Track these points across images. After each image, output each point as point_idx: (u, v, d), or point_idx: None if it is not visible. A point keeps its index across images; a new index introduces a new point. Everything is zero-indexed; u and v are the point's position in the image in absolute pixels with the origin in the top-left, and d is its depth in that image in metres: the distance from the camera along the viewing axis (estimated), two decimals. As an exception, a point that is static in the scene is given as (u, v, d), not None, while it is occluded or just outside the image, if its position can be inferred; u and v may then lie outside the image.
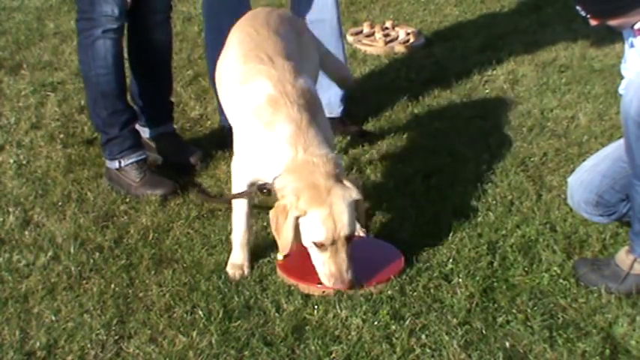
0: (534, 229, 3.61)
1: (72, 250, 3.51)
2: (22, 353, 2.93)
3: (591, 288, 3.21)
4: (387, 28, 6.24)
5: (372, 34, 6.11)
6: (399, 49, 5.97)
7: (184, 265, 3.42)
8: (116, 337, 3.00)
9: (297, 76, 3.34)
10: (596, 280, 3.22)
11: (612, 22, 3.21)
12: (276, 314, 3.09)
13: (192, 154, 4.25)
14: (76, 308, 3.15)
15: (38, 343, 2.96)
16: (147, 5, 4.11)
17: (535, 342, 2.94)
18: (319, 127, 3.26)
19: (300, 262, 3.24)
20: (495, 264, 3.37)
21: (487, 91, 5.20)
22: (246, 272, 3.35)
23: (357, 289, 3.17)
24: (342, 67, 4.51)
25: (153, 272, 3.36)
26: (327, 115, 4.70)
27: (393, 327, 3.00)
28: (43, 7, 6.97)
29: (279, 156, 3.16)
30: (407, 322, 3.02)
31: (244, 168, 3.35)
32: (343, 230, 3.10)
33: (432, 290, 3.22)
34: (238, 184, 3.40)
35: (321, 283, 3.20)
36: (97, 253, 3.50)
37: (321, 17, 4.60)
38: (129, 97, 4.26)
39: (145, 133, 4.34)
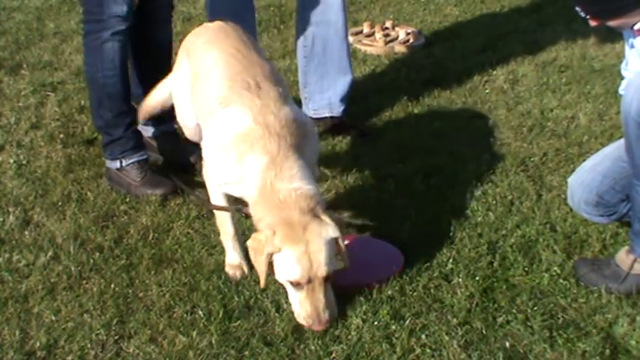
0: (534, 229, 3.61)
1: (72, 250, 3.51)
2: (22, 353, 2.93)
3: (591, 288, 3.21)
4: (387, 28, 6.24)
5: (372, 34, 6.11)
6: (399, 49, 5.97)
7: (184, 265, 3.42)
8: (116, 337, 3.00)
9: (282, 105, 3.21)
10: (596, 280, 3.22)
11: (612, 23, 3.20)
12: (276, 314, 3.08)
13: (191, 154, 4.25)
14: (76, 308, 3.15)
15: (38, 343, 2.96)
16: (149, 4, 4.11)
17: (535, 342, 2.95)
18: (301, 158, 3.10)
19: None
20: (495, 264, 3.37)
21: (487, 91, 5.20)
22: (245, 271, 3.34)
23: (333, 326, 3.02)
24: None
25: (153, 272, 3.36)
26: (328, 114, 4.75)
27: (393, 327, 3.00)
28: (43, 7, 6.97)
29: (249, 188, 3.07)
30: (407, 322, 3.02)
31: (217, 185, 3.31)
32: (320, 270, 2.94)
33: (432, 290, 3.22)
34: (215, 196, 3.36)
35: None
36: (97, 253, 3.50)
37: (326, 19, 4.60)
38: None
39: (147, 131, 4.34)
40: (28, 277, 3.35)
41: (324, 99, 4.73)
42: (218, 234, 3.59)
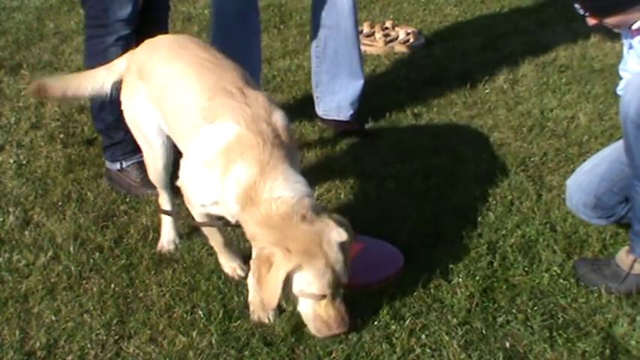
0: (534, 229, 3.61)
1: (72, 250, 3.51)
2: (22, 353, 2.93)
3: (591, 288, 3.21)
4: (387, 28, 6.24)
5: (372, 34, 6.11)
6: (399, 49, 5.97)
7: (184, 265, 3.42)
8: (116, 337, 3.00)
9: (272, 112, 3.06)
10: (596, 280, 3.22)
11: (610, 21, 3.19)
12: (276, 315, 3.08)
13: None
14: (76, 308, 3.15)
15: (38, 343, 2.96)
16: (147, 6, 4.10)
17: (535, 342, 2.94)
18: (292, 166, 2.98)
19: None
20: (495, 264, 3.37)
21: (487, 91, 5.20)
22: (242, 273, 3.32)
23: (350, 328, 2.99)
24: None
25: (153, 272, 3.36)
26: (335, 117, 4.75)
27: (393, 327, 3.00)
28: (43, 7, 6.97)
29: (239, 202, 2.92)
30: (407, 322, 3.02)
31: (201, 204, 3.12)
32: (342, 279, 2.90)
33: (432, 290, 3.22)
34: (197, 214, 3.20)
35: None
36: (97, 253, 3.50)
37: (337, 23, 4.60)
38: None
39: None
40: (28, 277, 3.35)
41: (334, 101, 4.74)
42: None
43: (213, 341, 2.95)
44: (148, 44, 3.44)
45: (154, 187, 3.97)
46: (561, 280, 3.27)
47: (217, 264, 3.40)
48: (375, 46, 5.95)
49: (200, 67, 3.20)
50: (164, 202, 3.63)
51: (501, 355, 2.88)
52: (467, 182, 4.02)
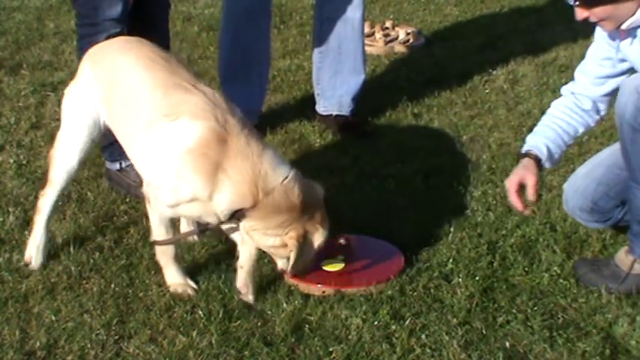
0: (534, 229, 3.61)
1: (72, 250, 3.51)
2: (22, 353, 2.93)
3: (591, 288, 3.21)
4: (387, 28, 6.24)
5: (372, 33, 6.11)
6: (399, 49, 5.97)
7: (184, 265, 3.42)
8: (116, 337, 2.99)
9: (230, 104, 3.09)
10: (596, 280, 3.22)
11: (599, 12, 3.08)
12: (276, 314, 3.08)
13: None
14: (76, 308, 3.15)
15: (38, 343, 2.96)
16: (147, 4, 4.10)
17: (535, 342, 2.94)
18: (269, 148, 3.07)
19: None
20: (495, 264, 3.37)
21: (487, 90, 5.20)
22: (195, 286, 3.26)
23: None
24: None
25: (153, 272, 3.36)
26: (336, 112, 4.75)
27: (393, 327, 3.00)
28: (43, 7, 6.97)
29: (246, 197, 2.96)
30: (407, 322, 3.02)
31: (173, 204, 3.09)
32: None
33: (432, 290, 3.22)
34: (160, 218, 3.19)
35: (321, 283, 3.21)
36: (97, 253, 3.50)
37: (344, 16, 4.60)
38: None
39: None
40: (28, 277, 3.34)
41: (335, 97, 4.74)
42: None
43: (213, 341, 2.95)
44: (104, 43, 3.48)
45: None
46: (561, 280, 3.27)
47: (217, 264, 3.40)
48: (375, 46, 5.96)
49: (151, 61, 3.21)
50: (48, 203, 3.43)
51: (501, 355, 2.88)
52: (467, 182, 4.02)
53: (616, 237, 3.53)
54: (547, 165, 3.40)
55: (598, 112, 3.43)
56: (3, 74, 5.53)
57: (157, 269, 3.38)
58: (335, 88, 4.74)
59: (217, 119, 2.99)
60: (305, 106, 4.95)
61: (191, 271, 3.36)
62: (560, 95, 3.52)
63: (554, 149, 3.39)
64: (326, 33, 4.65)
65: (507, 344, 2.93)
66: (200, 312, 3.09)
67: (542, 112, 4.81)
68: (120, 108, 3.23)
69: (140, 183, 3.98)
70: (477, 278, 3.26)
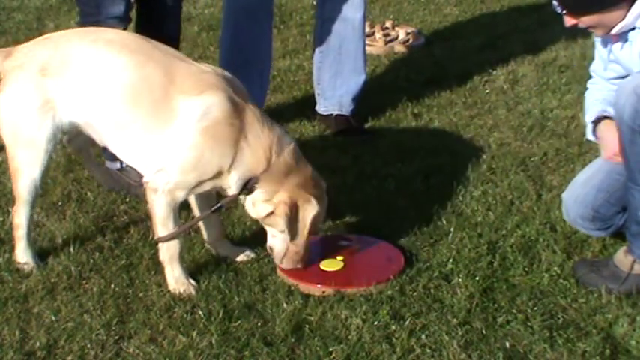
0: (534, 229, 3.61)
1: (72, 250, 3.51)
2: (22, 353, 2.92)
3: (591, 288, 3.20)
4: (387, 28, 6.24)
5: (372, 33, 6.11)
6: (399, 49, 5.97)
7: (184, 264, 3.42)
8: (116, 337, 2.99)
9: (234, 78, 3.28)
10: (595, 280, 3.21)
11: (587, 20, 3.14)
12: (276, 314, 3.08)
13: None
14: (76, 308, 3.15)
15: (38, 343, 2.96)
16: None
17: (535, 342, 2.94)
18: (270, 120, 3.24)
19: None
20: (495, 264, 3.37)
21: (487, 90, 5.20)
22: (195, 284, 3.27)
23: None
24: None
25: (153, 272, 3.36)
26: (337, 112, 4.76)
27: (393, 327, 3.00)
28: (43, 7, 6.97)
29: (253, 166, 3.13)
30: (407, 322, 3.02)
31: (198, 181, 3.13)
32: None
33: (432, 290, 3.22)
34: (173, 202, 3.17)
35: (320, 283, 3.21)
36: (97, 253, 3.50)
37: (345, 15, 4.60)
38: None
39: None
40: (28, 277, 3.34)
41: (336, 96, 4.75)
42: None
43: (213, 341, 2.95)
44: (44, 40, 3.32)
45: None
46: (561, 280, 3.27)
47: (217, 264, 3.40)
48: (375, 46, 5.96)
49: (128, 46, 3.19)
50: (23, 218, 3.34)
51: (501, 355, 2.88)
52: (467, 182, 4.02)
53: (615, 237, 3.53)
54: None
55: None
56: (3, 74, 5.52)
57: (157, 269, 3.38)
58: (335, 88, 4.74)
59: (233, 89, 3.15)
60: (305, 106, 4.95)
61: (191, 270, 3.36)
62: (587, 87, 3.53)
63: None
64: (327, 33, 4.66)
65: (507, 344, 2.93)
66: (200, 312, 3.09)
67: (542, 112, 4.85)
68: (109, 99, 3.15)
69: (140, 183, 4.00)
70: (477, 278, 3.26)
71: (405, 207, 3.82)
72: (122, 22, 3.89)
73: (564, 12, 3.14)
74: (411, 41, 6.06)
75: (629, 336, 2.97)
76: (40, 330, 3.02)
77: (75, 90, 3.20)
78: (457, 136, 4.60)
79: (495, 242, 3.52)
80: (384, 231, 3.63)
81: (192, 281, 3.26)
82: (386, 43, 5.99)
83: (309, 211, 3.18)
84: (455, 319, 3.04)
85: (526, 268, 3.34)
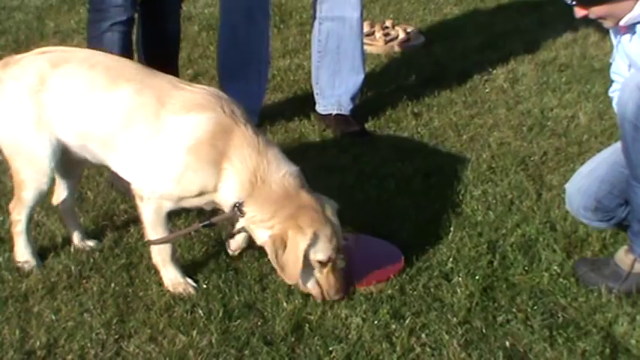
0: (534, 228, 3.61)
1: (72, 250, 3.51)
2: (22, 352, 2.93)
3: (591, 287, 3.20)
4: (387, 28, 6.24)
5: (372, 33, 6.11)
6: (399, 48, 5.97)
7: (184, 264, 3.42)
8: (116, 337, 2.99)
9: (234, 99, 3.18)
10: (596, 279, 3.21)
11: (597, 10, 3.10)
12: (276, 314, 3.08)
13: None
14: (76, 307, 3.15)
15: (38, 343, 2.96)
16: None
17: (535, 341, 2.94)
18: (272, 143, 3.16)
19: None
20: (495, 263, 3.37)
21: (487, 90, 5.20)
22: (194, 284, 3.27)
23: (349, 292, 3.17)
24: None
25: (153, 271, 3.36)
26: (336, 111, 4.76)
27: (393, 326, 3.00)
28: (44, 7, 6.97)
29: (246, 185, 3.03)
30: (407, 321, 3.02)
31: (180, 198, 3.13)
32: (341, 243, 3.11)
33: (432, 289, 3.22)
34: (160, 215, 3.19)
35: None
36: (97, 253, 3.50)
37: (342, 15, 4.60)
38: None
39: None
40: (28, 277, 3.34)
41: (334, 96, 4.75)
42: (217, 233, 3.59)
43: (213, 340, 2.95)
44: (44, 53, 3.30)
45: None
46: (561, 280, 3.27)
47: (217, 263, 3.40)
48: (374, 46, 5.95)
49: (123, 75, 3.17)
50: (23, 214, 3.34)
51: (501, 354, 2.88)
52: (467, 181, 4.02)
53: (616, 236, 3.53)
54: None
55: None
56: (3, 74, 5.52)
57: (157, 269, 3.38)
58: (334, 88, 4.74)
59: (224, 110, 3.07)
60: (305, 106, 4.95)
61: (191, 270, 3.36)
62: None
63: None
64: (324, 33, 4.66)
65: (507, 343, 2.93)
66: (200, 311, 3.09)
67: (542, 112, 4.85)
68: (103, 125, 3.16)
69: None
70: (477, 277, 3.26)
71: (405, 207, 3.82)
72: (126, 11, 3.91)
73: (574, 3, 3.09)
74: (410, 40, 6.06)
75: (629, 335, 2.97)
76: (40, 329, 3.02)
77: (69, 111, 3.20)
78: (457, 135, 4.60)
79: (495, 241, 3.52)
80: (384, 231, 3.63)
81: (190, 280, 3.26)
82: (386, 42, 5.99)
83: (300, 242, 2.99)
84: (455, 319, 3.04)
85: (526, 267, 3.34)
